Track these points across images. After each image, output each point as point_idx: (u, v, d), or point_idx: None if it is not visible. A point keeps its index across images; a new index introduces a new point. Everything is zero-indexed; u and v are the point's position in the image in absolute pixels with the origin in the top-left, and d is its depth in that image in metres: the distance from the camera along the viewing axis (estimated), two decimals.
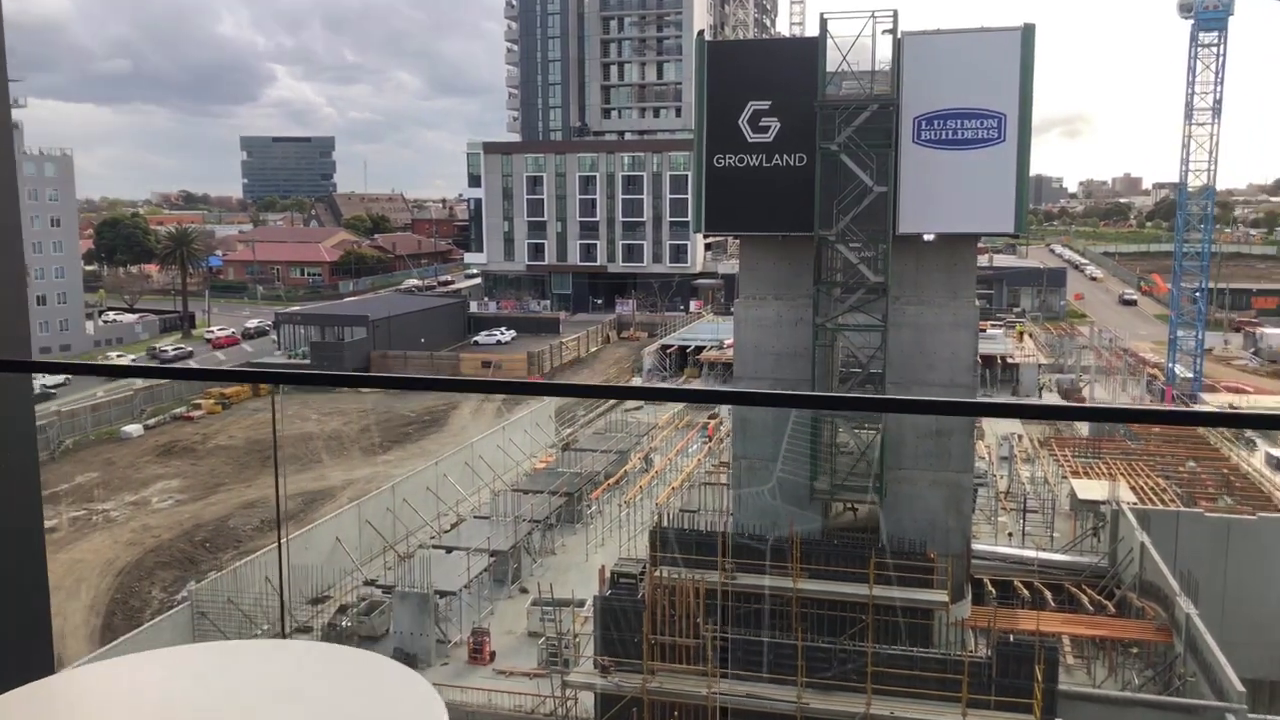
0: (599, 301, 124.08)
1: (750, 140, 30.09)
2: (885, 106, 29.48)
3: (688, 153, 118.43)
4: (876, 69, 29.83)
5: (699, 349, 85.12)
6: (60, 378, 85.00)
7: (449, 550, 37.44)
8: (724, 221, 32.61)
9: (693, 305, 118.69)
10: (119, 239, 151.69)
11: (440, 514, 44.19)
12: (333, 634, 34.40)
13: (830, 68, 29.47)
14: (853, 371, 32.36)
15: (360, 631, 34.20)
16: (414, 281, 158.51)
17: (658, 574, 29.78)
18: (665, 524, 35.75)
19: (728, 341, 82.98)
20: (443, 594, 34.00)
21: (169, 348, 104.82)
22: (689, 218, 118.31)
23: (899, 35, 29.44)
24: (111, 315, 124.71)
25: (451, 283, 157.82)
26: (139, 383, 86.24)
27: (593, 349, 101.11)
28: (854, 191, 29.50)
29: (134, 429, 71.36)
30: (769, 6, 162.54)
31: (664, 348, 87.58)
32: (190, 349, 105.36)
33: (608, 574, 35.26)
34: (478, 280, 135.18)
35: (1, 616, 2.75)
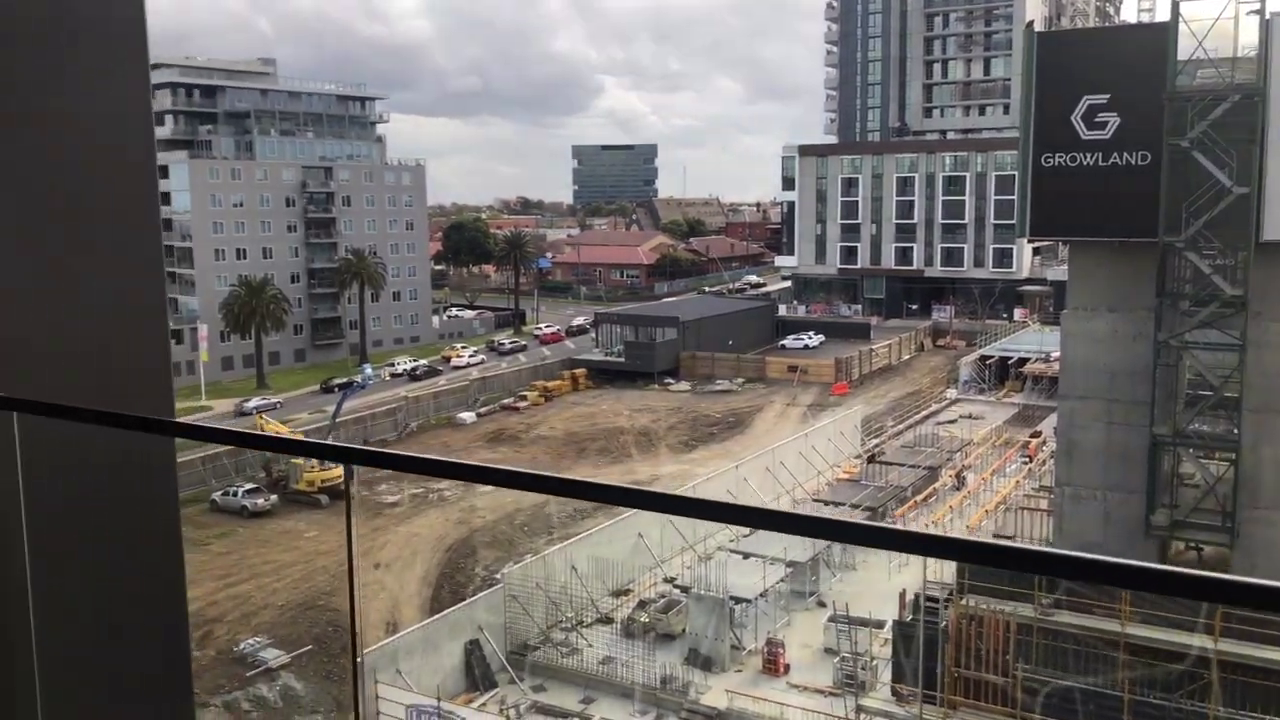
0: (914, 307, 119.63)
1: (1084, 138, 27.49)
2: (1249, 97, 25.89)
3: (1015, 152, 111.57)
4: (1239, 55, 26.24)
5: (1022, 361, 79.85)
6: (408, 364, 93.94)
7: (746, 556, 37.33)
8: (1052, 225, 30.12)
9: (1017, 313, 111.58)
10: (463, 241, 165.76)
11: None
12: (632, 627, 35.36)
13: (1182, 55, 26.28)
14: (1201, 395, 28.82)
15: (657, 629, 34.88)
16: (752, 277, 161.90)
17: (964, 603, 28.03)
18: None
19: (1055, 354, 77.32)
20: (738, 600, 33.93)
21: (505, 341, 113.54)
22: (1015, 220, 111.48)
23: (1267, 16, 25.74)
24: (454, 311, 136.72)
25: (764, 285, 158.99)
26: (475, 373, 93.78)
27: (905, 356, 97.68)
28: (1208, 193, 26.18)
29: (468, 416, 77.51)
30: None
31: (983, 358, 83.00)
32: (523, 343, 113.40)
33: (909, 597, 33.72)
34: (787, 284, 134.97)
35: (146, 695, 2.67)
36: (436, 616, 34.08)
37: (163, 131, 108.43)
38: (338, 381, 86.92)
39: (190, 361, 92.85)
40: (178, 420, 2.34)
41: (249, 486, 57.36)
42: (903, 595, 32.51)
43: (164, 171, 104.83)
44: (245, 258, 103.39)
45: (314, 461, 57.89)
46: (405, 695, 28.76)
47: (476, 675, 32.28)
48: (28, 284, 2.28)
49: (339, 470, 58.88)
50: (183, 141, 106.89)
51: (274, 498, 56.77)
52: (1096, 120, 27.20)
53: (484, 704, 31.61)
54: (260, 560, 48.51)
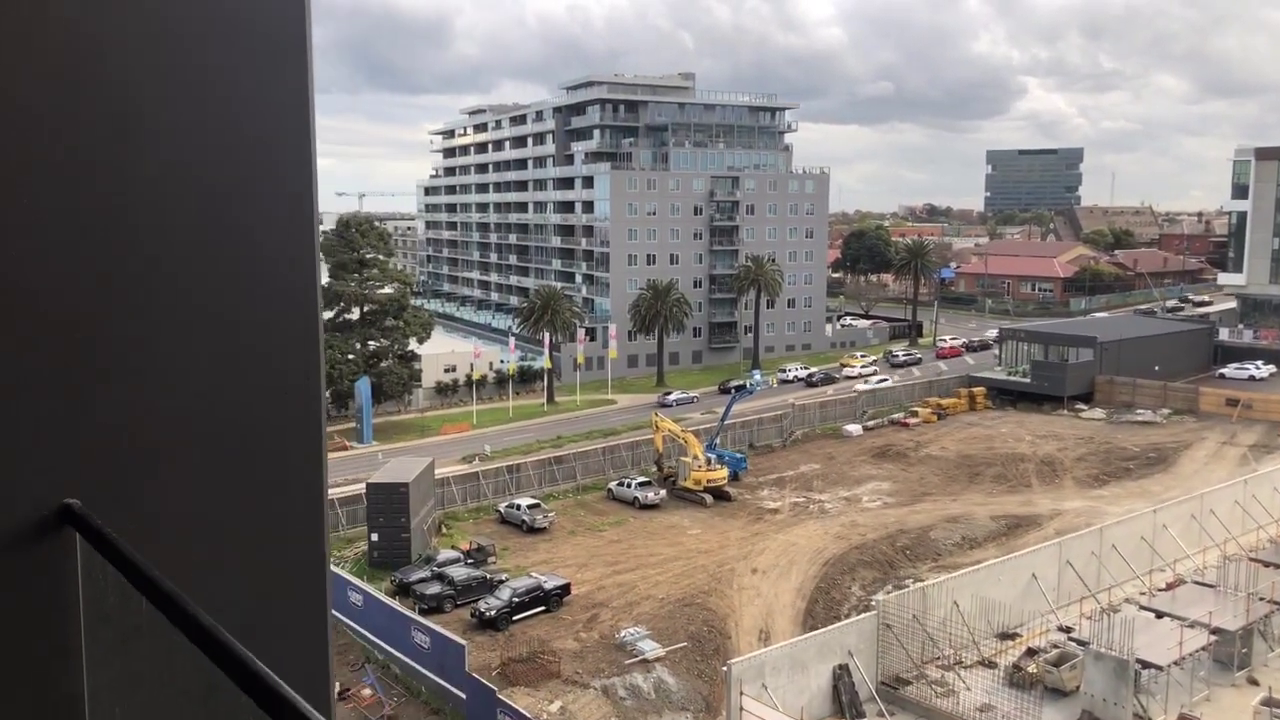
0: None
1: None
2: None
3: None
4: None
5: None
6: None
7: (1159, 615, 32.87)
8: None
9: None
10: (863, 249, 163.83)
11: (1153, 570, 39.17)
12: (1017, 676, 32.45)
13: None
14: None
15: (1046, 681, 31.69)
16: (1215, 289, 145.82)
17: None
18: None
19: None
20: (1145, 664, 29.87)
21: (899, 353, 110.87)
22: None
23: None
24: (848, 320, 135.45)
25: (1211, 304, 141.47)
26: (863, 385, 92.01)
27: None
28: None
29: (854, 428, 76.10)
30: None
31: None
32: (919, 355, 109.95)
33: None
34: (1231, 305, 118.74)
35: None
36: (806, 636, 33.42)
37: (589, 145, 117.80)
38: (735, 384, 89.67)
39: (601, 358, 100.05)
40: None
41: (641, 479, 60.27)
42: None
43: (588, 182, 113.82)
44: (654, 263, 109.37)
45: (701, 460, 59.67)
46: (770, 713, 28.37)
47: (844, 702, 31.20)
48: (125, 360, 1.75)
49: (724, 471, 60.26)
50: (607, 154, 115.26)
51: (663, 493, 59.16)
52: None
53: None
54: (646, 552, 50.68)
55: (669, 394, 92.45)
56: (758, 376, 74.08)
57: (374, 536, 48.96)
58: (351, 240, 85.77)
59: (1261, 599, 33.83)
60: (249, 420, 1.77)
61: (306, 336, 1.82)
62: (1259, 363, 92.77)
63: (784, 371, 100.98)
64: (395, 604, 40.89)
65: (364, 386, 78.60)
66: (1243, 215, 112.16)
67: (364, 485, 52.17)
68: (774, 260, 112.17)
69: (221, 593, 1.69)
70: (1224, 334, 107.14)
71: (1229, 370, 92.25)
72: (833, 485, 62.32)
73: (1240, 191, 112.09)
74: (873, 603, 36.34)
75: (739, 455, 65.31)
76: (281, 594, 1.58)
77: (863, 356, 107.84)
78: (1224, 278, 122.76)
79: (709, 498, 58.55)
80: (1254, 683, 31.84)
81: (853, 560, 49.51)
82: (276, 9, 1.78)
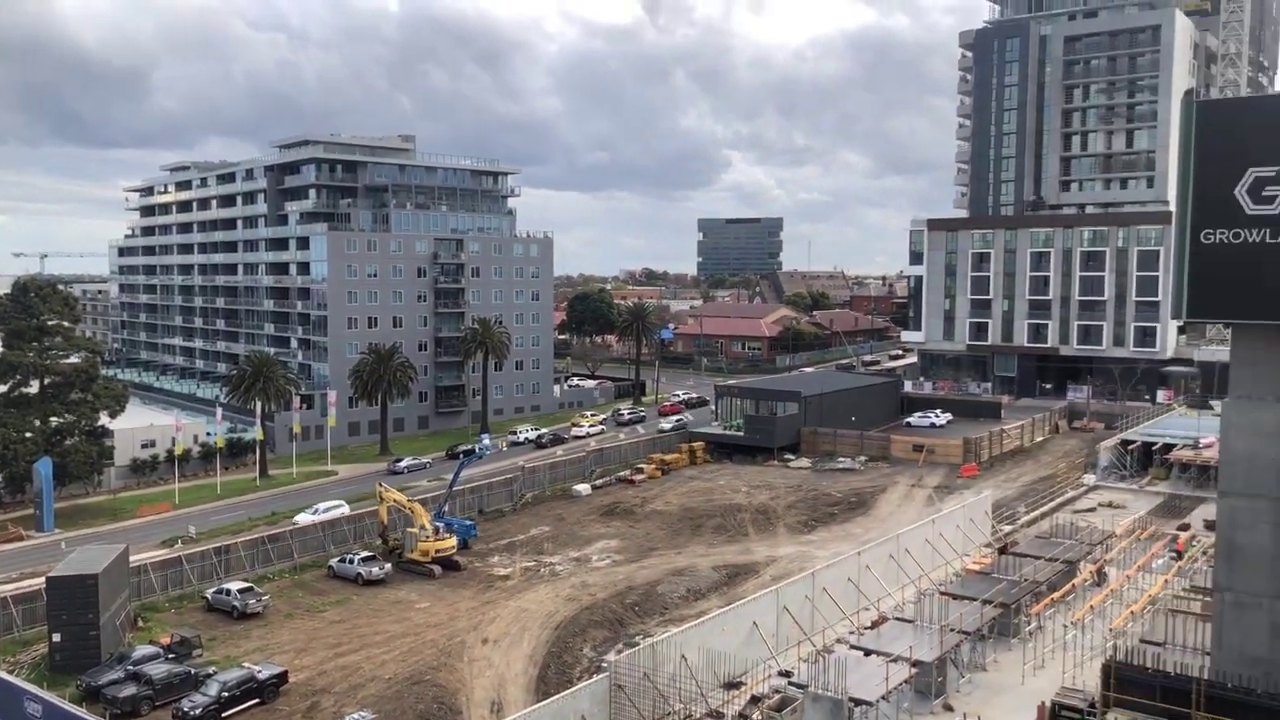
0: (1048, 386, 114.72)
1: (1251, 212, 25.20)
2: None
3: (1160, 227, 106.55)
4: None
5: (1167, 447, 74.83)
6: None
7: (867, 653, 34.99)
8: (1214, 306, 27.57)
9: (1161, 395, 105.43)
10: (588, 311, 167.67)
11: (860, 609, 41.81)
12: None
13: None
14: None
15: None
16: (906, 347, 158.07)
17: (1111, 718, 25.32)
18: (1121, 656, 30.85)
19: (1205, 440, 72.13)
20: (858, 701, 31.60)
21: (625, 411, 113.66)
22: (1159, 298, 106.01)
23: None
24: (575, 380, 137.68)
25: (903, 356, 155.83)
26: (593, 444, 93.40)
27: (1038, 439, 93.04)
28: None
29: (583, 488, 76.85)
30: (1267, 64, 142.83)
31: (1124, 443, 78.13)
32: (643, 413, 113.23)
33: (1047, 705, 30.95)
34: (913, 359, 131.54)
35: None
36: (538, 705, 32.73)
37: (305, 205, 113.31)
38: (463, 449, 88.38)
39: (319, 427, 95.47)
40: None
41: (365, 554, 57.63)
42: (1042, 707, 29.74)
43: (303, 243, 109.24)
44: (376, 326, 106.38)
45: (429, 530, 57.92)
46: None
47: None
48: None
49: (453, 541, 58.79)
50: (324, 214, 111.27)
51: (388, 566, 56.86)
52: (1265, 194, 24.86)
53: None
54: (371, 630, 48.27)
55: (399, 460, 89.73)
56: (486, 441, 73.04)
57: (56, 637, 43.52)
58: (30, 305, 77.38)
59: (952, 630, 36.86)
60: None
61: None
62: (938, 411, 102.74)
63: (514, 434, 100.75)
64: (83, 712, 36.33)
65: (44, 468, 70.49)
66: (919, 279, 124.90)
67: (44, 580, 46.47)
68: (501, 323, 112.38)
69: None
70: (908, 386, 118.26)
71: (914, 419, 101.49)
72: (563, 547, 62.35)
73: (916, 258, 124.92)
74: (604, 664, 36.35)
75: (468, 522, 64.01)
76: None
77: (591, 416, 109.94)
78: (906, 335, 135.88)
79: (438, 569, 56.84)
80: (949, 709, 34.49)
81: (584, 621, 49.47)
82: None
